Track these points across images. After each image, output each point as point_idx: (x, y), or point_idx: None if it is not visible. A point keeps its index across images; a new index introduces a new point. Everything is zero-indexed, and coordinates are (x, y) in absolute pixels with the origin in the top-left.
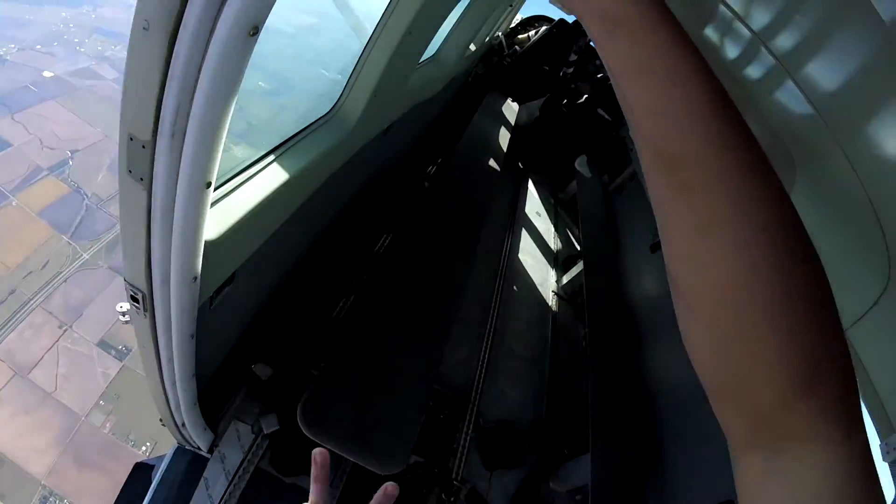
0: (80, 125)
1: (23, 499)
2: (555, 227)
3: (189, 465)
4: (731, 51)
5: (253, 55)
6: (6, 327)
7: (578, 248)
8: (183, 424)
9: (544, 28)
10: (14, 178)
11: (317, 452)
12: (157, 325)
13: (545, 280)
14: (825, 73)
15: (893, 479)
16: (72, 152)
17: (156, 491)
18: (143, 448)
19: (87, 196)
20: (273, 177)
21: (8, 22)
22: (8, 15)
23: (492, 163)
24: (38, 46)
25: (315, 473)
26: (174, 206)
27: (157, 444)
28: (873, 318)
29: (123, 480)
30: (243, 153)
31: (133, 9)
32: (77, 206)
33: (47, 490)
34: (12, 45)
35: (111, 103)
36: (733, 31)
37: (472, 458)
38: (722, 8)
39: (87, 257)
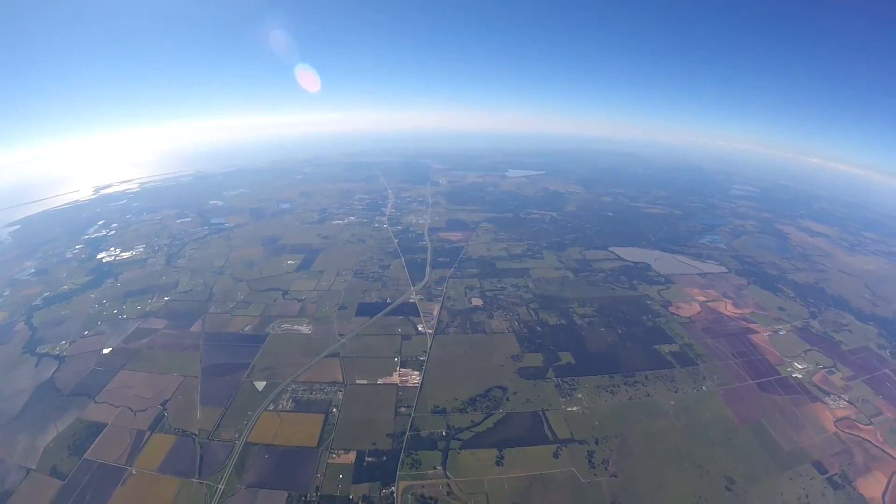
0: (157, 378)
1: None
2: None
3: None
4: None
5: None
6: None
7: None
8: None
9: None
10: (122, 450)
11: None
12: None
13: None
14: None
15: None
16: (163, 404)
17: None
18: None
19: (194, 435)
20: None
21: (48, 325)
22: (43, 320)
23: None
24: (86, 332)
25: None
26: None
27: None
28: None
29: None
30: None
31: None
32: (191, 448)
33: None
34: (63, 342)
35: (174, 348)
36: None
37: None
38: None
39: (223, 487)
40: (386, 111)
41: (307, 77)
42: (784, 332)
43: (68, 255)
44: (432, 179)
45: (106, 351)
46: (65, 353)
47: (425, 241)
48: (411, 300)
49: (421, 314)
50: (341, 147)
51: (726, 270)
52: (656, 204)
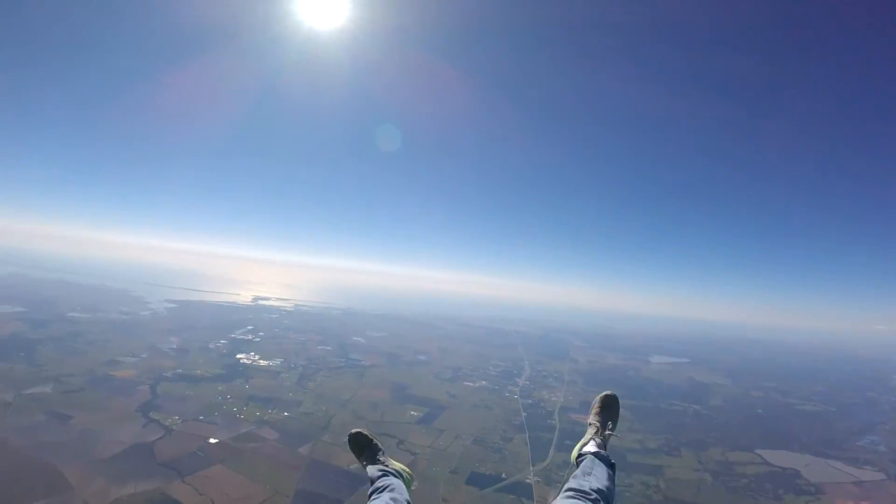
0: (248, 485)
1: None
2: None
3: None
4: None
5: None
6: None
7: None
8: None
9: None
10: None
11: None
12: None
13: None
14: None
15: None
16: None
17: None
18: None
19: None
20: None
21: (169, 397)
22: (166, 392)
23: None
24: (201, 417)
25: None
26: None
27: None
28: None
29: None
30: None
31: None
32: None
33: None
34: (177, 417)
35: (276, 462)
36: None
37: None
38: None
39: None
40: (529, 283)
41: (388, 137)
42: None
43: (210, 346)
44: (571, 356)
45: (212, 441)
46: (174, 427)
47: (554, 419)
48: (528, 480)
49: (535, 498)
50: (483, 311)
51: (885, 478)
52: (810, 400)
